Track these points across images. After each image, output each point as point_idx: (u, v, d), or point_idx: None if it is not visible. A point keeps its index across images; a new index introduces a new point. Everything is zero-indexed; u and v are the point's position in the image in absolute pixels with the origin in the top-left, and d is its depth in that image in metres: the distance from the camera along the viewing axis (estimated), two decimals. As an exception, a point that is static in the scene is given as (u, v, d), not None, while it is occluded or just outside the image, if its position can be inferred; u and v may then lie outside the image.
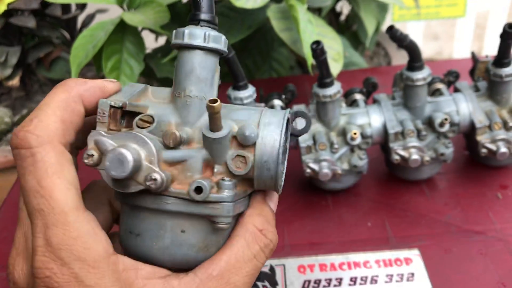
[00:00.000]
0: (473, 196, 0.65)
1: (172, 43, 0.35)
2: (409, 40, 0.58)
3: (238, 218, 0.36)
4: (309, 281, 0.56)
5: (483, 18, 2.36)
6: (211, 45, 0.34)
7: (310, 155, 0.63)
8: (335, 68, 0.79)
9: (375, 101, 0.66)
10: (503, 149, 0.61)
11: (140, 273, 0.31)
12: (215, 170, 0.34)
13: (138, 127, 0.34)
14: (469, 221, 0.62)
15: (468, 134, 0.66)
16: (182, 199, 0.33)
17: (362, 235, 0.62)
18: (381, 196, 0.67)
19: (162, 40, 1.40)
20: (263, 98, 0.71)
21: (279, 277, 0.57)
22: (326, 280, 0.56)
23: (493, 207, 0.63)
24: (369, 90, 0.69)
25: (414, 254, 0.58)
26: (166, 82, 1.16)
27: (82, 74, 1.67)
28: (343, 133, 0.63)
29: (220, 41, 0.35)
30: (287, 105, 0.70)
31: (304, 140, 0.62)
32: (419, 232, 0.61)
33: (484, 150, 0.62)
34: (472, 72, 0.75)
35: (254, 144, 0.33)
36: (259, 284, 0.57)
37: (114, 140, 0.32)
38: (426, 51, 2.38)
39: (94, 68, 1.65)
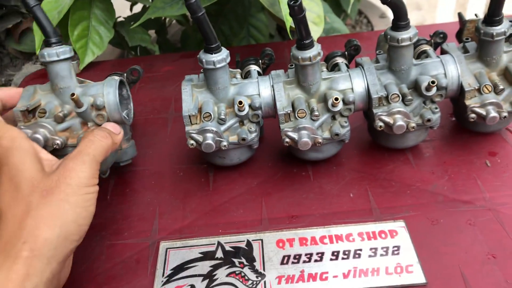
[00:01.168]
0: (461, 164, 0.62)
1: (41, 62, 0.59)
2: (394, -4, 0.54)
3: None
4: (289, 256, 0.53)
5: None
6: (62, 57, 0.57)
7: (289, 123, 0.58)
8: (315, 32, 0.75)
9: (357, 65, 0.62)
10: (493, 114, 0.57)
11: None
12: (88, 125, 0.58)
13: (39, 117, 0.57)
14: (457, 190, 0.59)
15: (455, 98, 0.62)
16: (73, 146, 0.56)
17: (344, 206, 0.59)
18: (364, 165, 0.64)
19: (138, 8, 1.34)
20: (239, 64, 0.66)
21: (256, 252, 0.54)
22: (306, 255, 0.53)
23: (482, 175, 0.60)
24: (352, 54, 0.64)
25: (399, 226, 0.55)
26: (137, 50, 1.10)
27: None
28: (324, 99, 0.59)
29: (68, 52, 0.57)
30: (264, 70, 0.66)
31: (283, 107, 0.58)
32: (404, 202, 0.58)
33: (473, 115, 0.58)
34: (459, 35, 0.71)
35: (104, 107, 0.57)
36: (235, 260, 0.53)
37: (29, 129, 0.56)
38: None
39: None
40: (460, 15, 0.71)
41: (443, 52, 0.63)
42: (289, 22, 0.69)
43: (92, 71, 0.90)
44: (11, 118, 0.58)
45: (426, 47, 0.63)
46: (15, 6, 1.45)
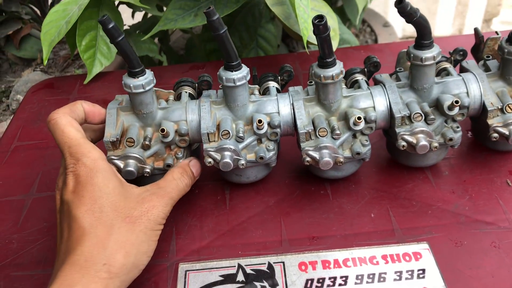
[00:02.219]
0: (481, 183, 0.61)
1: (125, 90, 0.56)
2: (420, 15, 0.53)
3: None
4: (312, 280, 0.52)
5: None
6: (147, 88, 0.56)
7: (310, 142, 0.57)
8: (330, 46, 0.73)
9: (376, 82, 0.61)
10: (516, 134, 0.57)
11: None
12: (171, 148, 0.60)
13: (128, 146, 0.57)
14: (479, 210, 0.58)
15: (476, 117, 0.61)
16: (160, 169, 0.59)
17: (366, 227, 0.58)
18: (383, 184, 0.63)
19: (139, 16, 1.32)
20: (257, 79, 0.65)
21: (278, 276, 0.53)
22: (330, 279, 0.52)
23: (503, 195, 0.59)
24: (371, 70, 0.64)
25: (423, 248, 0.54)
26: (144, 60, 1.09)
27: (54, 53, 1.58)
28: (344, 117, 0.58)
29: (152, 82, 0.57)
30: (283, 87, 0.65)
31: (303, 126, 0.57)
32: (426, 223, 0.57)
33: (495, 135, 0.58)
34: (474, 50, 0.70)
35: (187, 134, 0.59)
36: (258, 284, 0.52)
37: (121, 161, 0.57)
38: (407, 27, 2.33)
39: (67, 46, 1.56)
40: (476, 31, 0.71)
41: (463, 69, 0.62)
42: (305, 36, 0.68)
43: (100, 82, 0.89)
44: (88, 129, 0.59)
45: (446, 65, 0.62)
46: (16, 12, 1.44)
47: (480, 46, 0.68)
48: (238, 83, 0.56)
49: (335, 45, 0.73)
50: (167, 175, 0.57)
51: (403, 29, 2.20)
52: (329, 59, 0.55)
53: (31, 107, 0.84)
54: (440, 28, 2.29)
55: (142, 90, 0.56)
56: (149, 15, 1.25)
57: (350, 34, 1.00)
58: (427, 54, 0.55)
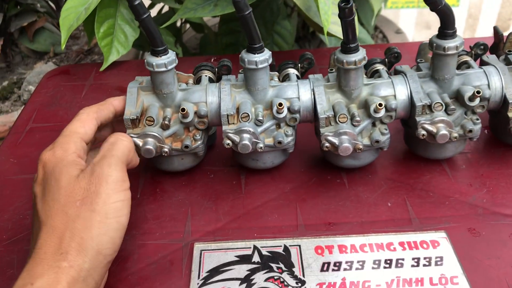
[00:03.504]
0: (499, 177, 0.61)
1: (148, 68, 0.57)
2: (444, 4, 0.53)
3: None
4: (329, 263, 0.51)
5: (476, 8, 2.33)
6: (169, 67, 0.56)
7: (329, 128, 0.57)
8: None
9: (397, 73, 0.61)
10: (536, 127, 0.57)
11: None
12: (190, 129, 0.60)
13: (148, 125, 0.57)
14: (497, 203, 0.58)
15: (496, 110, 0.61)
16: (177, 150, 0.59)
17: (383, 215, 0.57)
18: (400, 175, 0.63)
19: (154, 12, 1.33)
20: (274, 69, 0.65)
21: (294, 258, 0.52)
22: (347, 262, 0.51)
23: (521, 189, 0.59)
24: (392, 61, 0.64)
25: (440, 236, 0.54)
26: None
27: (67, 47, 1.59)
28: (364, 105, 0.58)
29: (174, 62, 0.57)
30: (303, 75, 0.65)
31: (324, 111, 0.57)
32: (444, 213, 0.57)
33: (515, 128, 0.58)
34: (493, 49, 0.70)
35: (207, 115, 0.59)
36: (273, 265, 0.51)
37: (139, 139, 0.57)
38: (418, 39, 2.35)
39: (79, 42, 1.57)
40: (496, 29, 0.71)
41: (483, 63, 0.62)
42: (326, 27, 0.68)
43: (116, 70, 0.89)
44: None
45: (467, 58, 0.62)
46: (31, 4, 1.44)
47: (499, 44, 0.68)
48: (260, 66, 0.56)
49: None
50: (105, 141, 0.52)
51: (412, 38, 2.21)
52: (352, 44, 0.55)
53: (46, 91, 0.84)
54: (449, 41, 2.30)
55: (164, 69, 0.56)
56: (164, 10, 1.26)
57: (365, 33, 1.00)
58: (450, 43, 0.55)
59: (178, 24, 1.33)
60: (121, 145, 0.51)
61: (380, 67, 0.62)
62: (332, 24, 0.75)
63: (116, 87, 0.85)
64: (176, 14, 0.80)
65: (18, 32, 1.48)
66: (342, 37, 0.56)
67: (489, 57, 0.63)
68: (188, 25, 1.38)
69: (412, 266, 0.51)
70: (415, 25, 2.29)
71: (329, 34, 0.74)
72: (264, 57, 0.56)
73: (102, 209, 0.46)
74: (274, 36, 0.99)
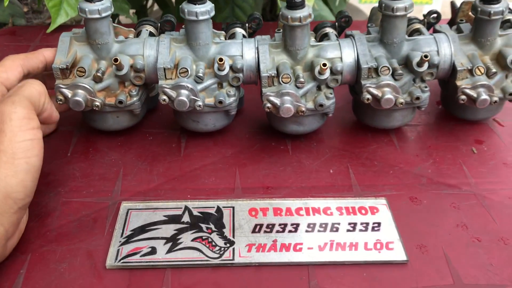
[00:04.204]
0: (446, 149, 0.59)
1: (80, 15, 0.53)
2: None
3: None
4: (261, 225, 0.49)
5: (449, 7, 2.34)
6: (103, 14, 0.53)
7: (272, 88, 0.55)
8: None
9: (347, 37, 0.59)
10: (484, 96, 0.55)
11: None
12: (125, 85, 0.56)
13: (78, 76, 0.54)
14: (442, 174, 0.56)
15: (445, 80, 0.59)
16: (111, 106, 0.55)
17: (323, 181, 0.55)
18: (346, 144, 0.60)
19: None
20: (224, 28, 0.62)
21: (226, 219, 0.49)
22: (280, 225, 0.49)
23: (468, 162, 0.57)
24: (342, 26, 0.61)
25: (380, 203, 0.51)
26: (115, 21, 1.05)
27: (28, 20, 1.53)
28: (310, 67, 0.56)
29: (109, 9, 0.53)
30: (250, 36, 0.62)
31: (267, 70, 0.54)
32: (387, 182, 0.55)
33: (463, 97, 0.56)
34: (450, 23, 0.69)
35: (143, 70, 0.55)
36: (203, 226, 0.48)
37: (69, 90, 0.53)
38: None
39: (43, 15, 1.51)
40: (452, 3, 0.69)
41: (436, 32, 0.61)
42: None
43: (64, 33, 0.85)
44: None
45: (419, 26, 0.61)
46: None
47: (455, 19, 0.67)
48: (200, 17, 0.53)
49: (311, 0, 0.70)
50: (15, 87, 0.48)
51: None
52: (297, -1, 0.52)
53: (-13, 50, 0.80)
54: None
55: (97, 15, 0.52)
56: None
57: (328, 12, 0.98)
58: (399, 4, 0.53)
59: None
60: (29, 87, 0.47)
61: (329, 30, 0.60)
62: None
63: (63, 51, 0.80)
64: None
65: (-26, 0, 1.41)
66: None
67: (442, 26, 0.61)
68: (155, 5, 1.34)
69: (348, 230, 0.48)
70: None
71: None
72: (205, 8, 0.53)
73: (8, 148, 0.42)
74: (235, 9, 0.96)
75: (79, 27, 0.58)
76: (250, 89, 0.64)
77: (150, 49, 0.55)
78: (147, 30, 0.59)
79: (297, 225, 0.49)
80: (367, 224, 0.49)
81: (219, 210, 0.50)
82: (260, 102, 0.56)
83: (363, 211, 0.50)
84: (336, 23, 0.61)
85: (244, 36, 0.60)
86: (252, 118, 0.65)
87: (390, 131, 0.62)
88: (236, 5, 0.95)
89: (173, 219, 0.49)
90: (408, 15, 0.55)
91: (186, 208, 0.51)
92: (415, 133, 0.62)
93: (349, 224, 0.49)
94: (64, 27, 0.84)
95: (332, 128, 0.63)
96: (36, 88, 0.47)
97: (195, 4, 0.53)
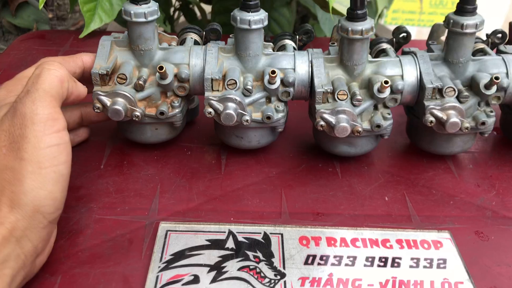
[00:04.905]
0: (509, 180, 0.55)
1: (124, 18, 0.49)
2: (467, -27, 0.47)
3: None
4: (314, 256, 0.44)
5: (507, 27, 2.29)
6: (149, 19, 0.49)
7: (326, 105, 0.50)
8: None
9: (406, 54, 0.55)
10: (558, 124, 0.50)
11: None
12: (167, 95, 0.52)
13: (119, 83, 0.50)
14: (507, 207, 0.51)
15: (510, 106, 0.55)
16: (151, 117, 0.52)
17: (379, 209, 0.50)
18: (399, 169, 0.56)
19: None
20: (270, 40, 0.58)
21: (275, 247, 0.45)
22: (335, 257, 0.44)
23: (534, 195, 0.53)
24: (400, 42, 0.57)
25: (444, 237, 0.47)
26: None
27: (52, 26, 1.51)
28: (367, 85, 0.52)
29: (155, 13, 0.49)
30: (300, 48, 0.58)
31: (322, 85, 0.50)
32: (448, 213, 0.50)
33: (533, 124, 0.51)
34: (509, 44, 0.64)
35: (188, 80, 0.51)
36: (250, 253, 0.44)
37: (108, 97, 0.49)
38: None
39: (67, 22, 1.49)
40: (511, 24, 0.65)
41: (500, 53, 0.56)
42: (332, 1, 0.62)
43: (97, 40, 0.81)
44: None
45: (483, 46, 0.56)
46: (17, -24, 1.37)
47: (515, 40, 0.62)
48: (253, 26, 0.49)
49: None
50: (30, 76, 0.42)
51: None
52: (360, 11, 0.48)
53: (16, 53, 0.77)
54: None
55: (143, 19, 0.49)
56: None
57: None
58: (469, 21, 0.49)
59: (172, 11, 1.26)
60: (48, 76, 0.41)
61: (386, 46, 0.56)
62: (336, 3, 0.68)
63: (94, 57, 0.77)
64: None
65: (0, 5, 1.40)
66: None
67: (507, 47, 0.57)
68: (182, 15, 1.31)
69: (411, 266, 0.43)
70: (413, 43, 2.25)
71: (334, 12, 0.68)
72: (259, 16, 0.49)
73: (33, 156, 0.37)
74: (271, 23, 0.92)
75: (106, 33, 0.55)
76: (293, 105, 0.60)
77: (197, 58, 0.51)
78: (191, 38, 0.56)
79: (354, 258, 0.44)
80: (432, 260, 0.44)
81: (266, 236, 0.46)
82: (304, 119, 0.52)
83: (425, 245, 0.46)
84: (394, 39, 0.57)
85: (294, 48, 0.56)
86: (296, 136, 0.60)
87: (446, 157, 0.57)
88: (273, 19, 0.91)
89: (216, 244, 0.45)
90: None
91: (230, 232, 0.46)
92: (473, 161, 0.57)
93: (412, 259, 0.44)
94: (97, 32, 0.81)
95: (384, 151, 0.58)
96: (55, 75, 0.42)
97: (249, 12, 0.49)
